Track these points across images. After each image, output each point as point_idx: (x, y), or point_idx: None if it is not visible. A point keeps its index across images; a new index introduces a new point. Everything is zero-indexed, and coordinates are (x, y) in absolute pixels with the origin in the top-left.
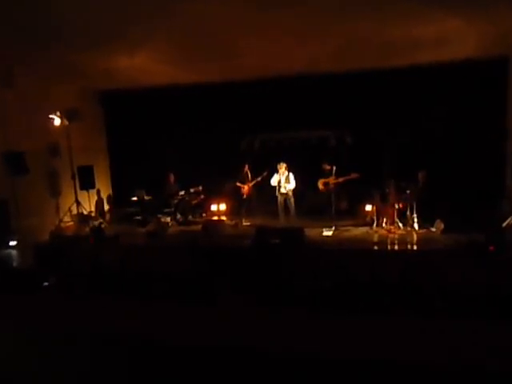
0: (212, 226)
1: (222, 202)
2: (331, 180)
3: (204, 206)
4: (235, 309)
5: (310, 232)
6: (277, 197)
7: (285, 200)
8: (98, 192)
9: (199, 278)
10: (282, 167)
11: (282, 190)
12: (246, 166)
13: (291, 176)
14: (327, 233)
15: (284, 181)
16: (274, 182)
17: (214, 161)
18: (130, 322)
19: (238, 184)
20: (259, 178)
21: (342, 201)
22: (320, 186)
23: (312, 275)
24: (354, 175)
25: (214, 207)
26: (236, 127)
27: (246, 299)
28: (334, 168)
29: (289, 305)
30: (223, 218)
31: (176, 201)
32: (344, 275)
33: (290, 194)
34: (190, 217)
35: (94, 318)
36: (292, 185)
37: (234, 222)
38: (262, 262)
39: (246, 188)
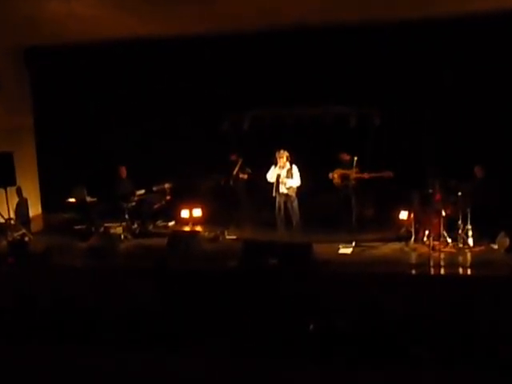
0: (182, 240)
1: (197, 206)
2: (352, 173)
3: (171, 212)
4: (213, 360)
5: (321, 249)
6: (274, 198)
7: (285, 203)
8: (20, 191)
9: (163, 316)
10: (283, 157)
11: (282, 189)
12: (234, 156)
13: (295, 170)
14: (345, 250)
15: (285, 176)
16: (270, 177)
17: (186, 148)
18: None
19: (241, 174)
20: (245, 175)
21: (367, 205)
22: (335, 177)
23: (322, 311)
24: (386, 173)
25: (185, 213)
26: (217, 101)
27: (228, 346)
28: (356, 159)
29: (289, 356)
30: (198, 228)
31: (131, 204)
32: (368, 312)
33: (293, 194)
34: (152, 226)
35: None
36: (295, 182)
37: (213, 235)
38: (252, 291)
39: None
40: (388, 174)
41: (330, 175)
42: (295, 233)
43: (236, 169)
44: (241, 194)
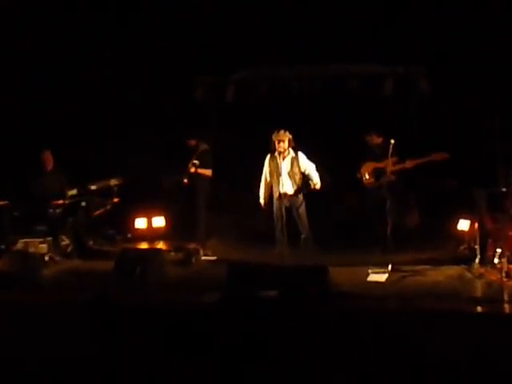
0: (137, 263)
1: (158, 213)
2: (388, 164)
3: (120, 221)
4: None
5: (342, 275)
6: (271, 202)
7: (288, 209)
8: None
9: (106, 374)
10: (284, 140)
11: (283, 188)
12: (194, 141)
13: (302, 158)
14: (377, 277)
15: (287, 169)
16: (266, 172)
17: (141, 129)
18: None
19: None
20: (191, 168)
21: (409, 211)
22: (366, 176)
23: (345, 368)
24: (438, 156)
25: (140, 223)
26: (186, 57)
27: None
28: (393, 142)
29: None
30: (160, 244)
31: (60, 209)
32: (414, 371)
33: (300, 196)
34: (91, 243)
35: None
36: (316, 175)
37: (183, 254)
38: (239, 337)
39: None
40: (441, 155)
41: (360, 173)
42: (303, 251)
43: (193, 160)
44: (200, 196)
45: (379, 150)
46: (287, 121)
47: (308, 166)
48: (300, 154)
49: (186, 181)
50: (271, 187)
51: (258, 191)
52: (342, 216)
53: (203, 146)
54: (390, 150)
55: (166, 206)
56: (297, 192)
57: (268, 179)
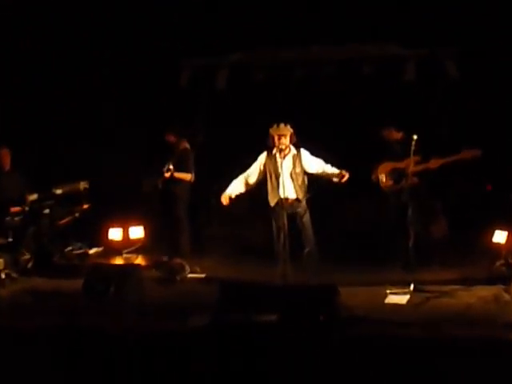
0: (112, 281)
1: (136, 223)
2: (410, 166)
3: (91, 231)
4: None
5: (354, 296)
6: (269, 210)
7: (291, 218)
8: None
9: None
10: (285, 135)
11: (285, 192)
12: (173, 136)
13: (305, 156)
14: (397, 298)
15: (288, 170)
16: (255, 170)
17: (115, 123)
18: None
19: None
20: (167, 174)
21: (434, 220)
22: (383, 179)
23: None
24: (469, 153)
25: (115, 233)
26: (170, 36)
27: None
28: (415, 138)
29: None
30: (139, 259)
31: (19, 217)
32: None
33: (303, 202)
34: (57, 257)
35: None
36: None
37: (165, 271)
38: (233, 369)
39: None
40: (473, 153)
41: (376, 176)
42: (308, 268)
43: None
44: (179, 204)
45: (399, 147)
46: (289, 113)
47: (316, 163)
48: (303, 151)
49: (160, 186)
50: (249, 190)
51: (257, 196)
52: (355, 226)
53: (183, 145)
54: (412, 148)
55: (146, 213)
56: (300, 197)
57: (251, 179)
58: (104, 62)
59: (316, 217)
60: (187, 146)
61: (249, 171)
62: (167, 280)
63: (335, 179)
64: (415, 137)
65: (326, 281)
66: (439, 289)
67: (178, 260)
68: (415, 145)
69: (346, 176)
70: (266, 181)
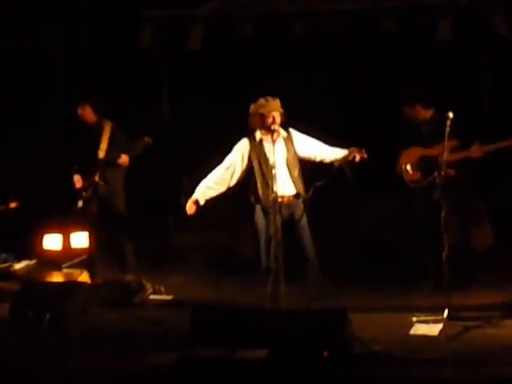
0: (47, 304)
1: (79, 227)
2: (444, 154)
3: (20, 238)
4: None
5: (370, 325)
6: (257, 213)
7: (284, 222)
8: None
9: None
10: (275, 111)
11: (281, 189)
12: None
13: (297, 138)
14: (425, 329)
15: (283, 158)
16: (234, 166)
17: (43, 97)
18: None
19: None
20: (96, 179)
21: (477, 225)
22: (406, 171)
23: None
24: None
25: (51, 241)
26: None
27: None
28: (451, 116)
29: None
30: (83, 275)
31: None
32: None
33: (300, 200)
34: None
35: None
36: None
37: (120, 291)
38: None
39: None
40: None
41: (399, 167)
42: (309, 286)
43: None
44: (116, 205)
45: (429, 128)
46: (282, 82)
47: (313, 144)
48: (292, 131)
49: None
50: (226, 193)
51: (241, 193)
52: (370, 233)
53: (107, 125)
54: (447, 129)
55: (90, 215)
56: (300, 192)
57: (230, 177)
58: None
59: (319, 221)
60: (112, 125)
61: (225, 165)
62: (122, 303)
63: (342, 163)
64: (451, 115)
65: (331, 305)
66: (481, 316)
67: (136, 276)
68: (451, 125)
69: (360, 153)
70: (251, 176)
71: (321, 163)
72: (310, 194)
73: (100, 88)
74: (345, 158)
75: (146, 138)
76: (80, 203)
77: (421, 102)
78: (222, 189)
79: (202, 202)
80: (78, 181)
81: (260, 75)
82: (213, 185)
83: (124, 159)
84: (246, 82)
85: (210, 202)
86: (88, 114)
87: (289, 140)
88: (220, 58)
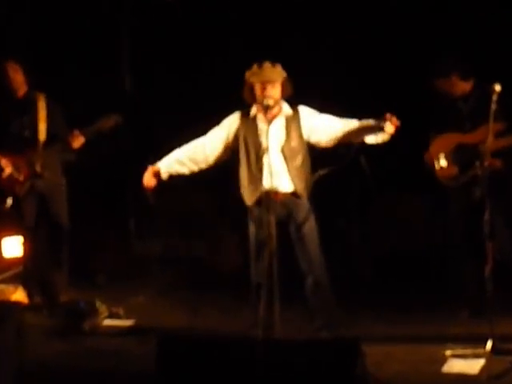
0: None
1: (12, 231)
2: (488, 140)
3: None
4: None
5: (392, 359)
6: (245, 213)
7: (281, 226)
8: None
9: None
10: (275, 81)
11: (273, 181)
12: None
13: (307, 118)
14: (463, 365)
15: (279, 142)
16: (216, 142)
17: None
18: None
19: None
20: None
21: None
22: (438, 162)
23: None
24: None
25: None
26: None
27: None
28: (497, 89)
29: None
30: (18, 292)
31: None
32: None
33: (303, 198)
34: None
35: None
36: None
37: (64, 313)
38: None
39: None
40: None
41: (428, 157)
42: (313, 310)
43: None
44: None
45: (468, 106)
46: (281, 40)
47: (328, 124)
48: (302, 109)
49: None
50: (202, 170)
51: (225, 188)
52: (392, 243)
53: (42, 99)
54: (493, 108)
55: (28, 217)
56: (300, 189)
57: (210, 154)
58: None
59: (324, 228)
60: (46, 98)
61: (206, 139)
62: (68, 330)
63: (372, 136)
64: (498, 87)
65: (342, 334)
66: None
67: (88, 296)
68: (497, 103)
69: (395, 121)
70: (239, 161)
71: (339, 145)
72: (311, 186)
73: (34, 46)
74: (374, 127)
75: (113, 116)
76: (9, 201)
77: (458, 72)
78: (195, 168)
79: (164, 176)
80: (7, 170)
81: (255, 36)
82: (185, 160)
83: (80, 140)
84: (232, 43)
85: (181, 193)
86: (18, 80)
87: (294, 121)
88: (201, 12)
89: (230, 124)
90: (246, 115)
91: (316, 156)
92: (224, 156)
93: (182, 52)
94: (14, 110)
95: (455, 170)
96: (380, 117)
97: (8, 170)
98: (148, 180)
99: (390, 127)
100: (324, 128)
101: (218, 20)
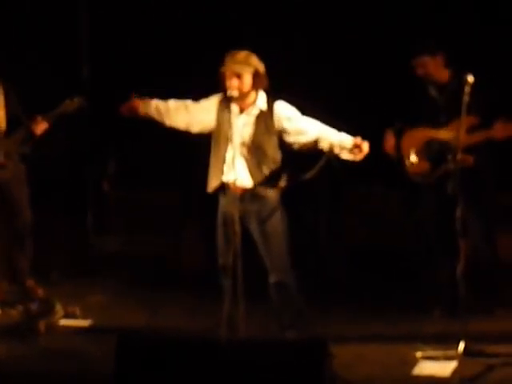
0: None
1: None
2: (460, 135)
3: None
4: None
5: (360, 361)
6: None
7: (245, 223)
8: None
9: None
10: (243, 72)
11: (234, 173)
12: None
13: (283, 114)
14: (435, 367)
15: (243, 135)
16: (198, 111)
17: None
18: None
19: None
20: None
21: (504, 228)
22: (410, 157)
23: None
24: None
25: None
26: None
27: None
28: (470, 81)
29: None
30: None
31: None
32: None
33: (269, 193)
34: None
35: None
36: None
37: (18, 312)
38: None
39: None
40: None
41: (401, 151)
42: (277, 310)
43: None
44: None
45: (444, 98)
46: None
47: (304, 124)
48: (279, 104)
49: None
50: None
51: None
52: (362, 238)
53: None
54: (465, 99)
55: None
56: (260, 185)
57: (193, 117)
58: None
59: (293, 221)
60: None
61: (192, 104)
62: (21, 330)
63: (344, 155)
64: (470, 79)
65: (308, 334)
66: (508, 351)
67: (41, 293)
68: (470, 94)
69: (365, 148)
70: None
71: (311, 149)
72: (283, 186)
73: None
74: (346, 147)
75: (75, 99)
76: None
77: (443, 54)
78: (175, 120)
79: (144, 110)
80: None
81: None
82: (171, 106)
83: (43, 126)
84: (208, 30)
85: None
86: None
87: (266, 116)
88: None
89: (211, 104)
90: (224, 102)
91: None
92: (203, 126)
93: (148, 35)
94: None
95: (426, 165)
96: (354, 134)
97: None
98: (126, 106)
99: (358, 155)
100: (297, 132)
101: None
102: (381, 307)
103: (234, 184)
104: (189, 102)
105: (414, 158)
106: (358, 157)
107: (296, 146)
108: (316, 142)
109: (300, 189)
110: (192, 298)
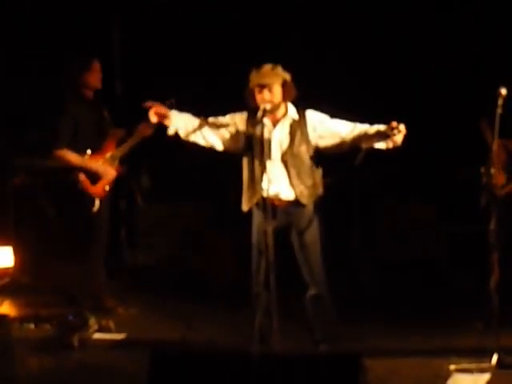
0: None
1: (1, 241)
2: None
3: None
4: None
5: (397, 374)
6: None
7: (281, 235)
8: None
9: None
10: (272, 83)
11: (272, 187)
12: None
13: (315, 122)
14: (469, 379)
15: (281, 148)
16: (225, 128)
17: None
18: None
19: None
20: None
21: None
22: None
23: None
24: None
25: None
26: None
27: None
28: (503, 93)
29: None
30: (5, 305)
31: None
32: None
33: (307, 208)
34: None
35: None
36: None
37: (53, 327)
38: None
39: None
40: None
41: (489, 167)
42: (313, 324)
43: None
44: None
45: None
46: (282, 48)
47: (337, 128)
48: (310, 113)
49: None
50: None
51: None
52: (397, 252)
53: None
54: (498, 112)
55: (19, 224)
56: (303, 197)
57: (221, 136)
58: None
59: (331, 236)
60: None
61: (220, 124)
62: (57, 344)
63: (381, 144)
64: (503, 91)
65: (343, 348)
66: None
67: (76, 308)
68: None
69: (402, 129)
70: (242, 163)
71: (345, 149)
72: (320, 193)
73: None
74: (382, 132)
75: (144, 124)
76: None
77: None
78: (205, 139)
79: (172, 122)
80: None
81: (255, 38)
82: (201, 123)
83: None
84: (234, 47)
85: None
86: None
87: (300, 126)
88: (195, 13)
89: (238, 121)
90: (251, 117)
91: (324, 161)
92: (232, 145)
93: (176, 57)
94: None
95: (503, 178)
96: (387, 123)
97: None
98: (156, 109)
99: (397, 136)
100: (332, 134)
101: (209, 22)
102: (413, 321)
103: (276, 198)
104: (218, 121)
105: (492, 169)
106: (398, 138)
107: (333, 150)
108: (352, 140)
109: (332, 202)
110: (224, 311)
